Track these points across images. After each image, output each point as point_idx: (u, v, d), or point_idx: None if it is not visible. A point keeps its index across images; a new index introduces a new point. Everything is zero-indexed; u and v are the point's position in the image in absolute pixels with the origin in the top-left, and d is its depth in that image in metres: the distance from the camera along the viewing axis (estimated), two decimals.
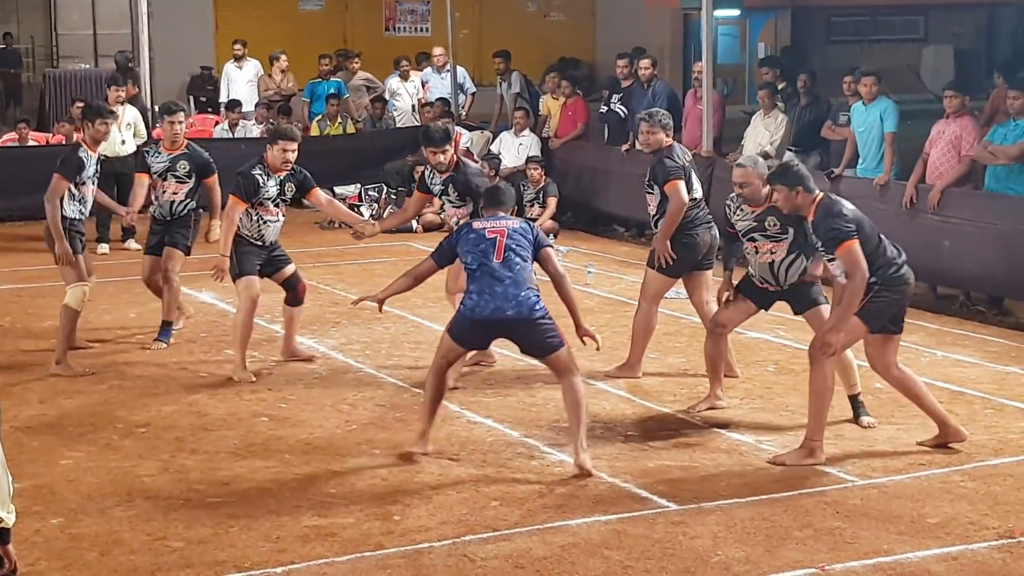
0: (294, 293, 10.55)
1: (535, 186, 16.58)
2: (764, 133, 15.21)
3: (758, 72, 17.48)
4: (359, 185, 18.56)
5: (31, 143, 18.53)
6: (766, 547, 6.78)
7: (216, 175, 11.11)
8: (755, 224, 8.81)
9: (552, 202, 16.46)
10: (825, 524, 7.09)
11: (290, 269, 10.49)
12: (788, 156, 8.44)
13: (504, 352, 10.19)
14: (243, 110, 19.32)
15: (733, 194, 9.00)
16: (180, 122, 11.10)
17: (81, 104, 18.58)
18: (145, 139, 16.18)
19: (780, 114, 15.26)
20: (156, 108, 16.34)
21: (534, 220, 16.22)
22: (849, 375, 8.78)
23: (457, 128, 18.51)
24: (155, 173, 11.05)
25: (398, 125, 19.91)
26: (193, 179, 11.06)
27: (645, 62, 16.61)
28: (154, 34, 18.50)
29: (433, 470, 7.93)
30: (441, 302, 12.66)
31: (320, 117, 19.75)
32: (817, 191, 8.19)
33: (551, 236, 15.72)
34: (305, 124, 20.23)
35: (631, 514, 7.26)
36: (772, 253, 8.77)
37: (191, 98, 21.76)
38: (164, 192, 11.03)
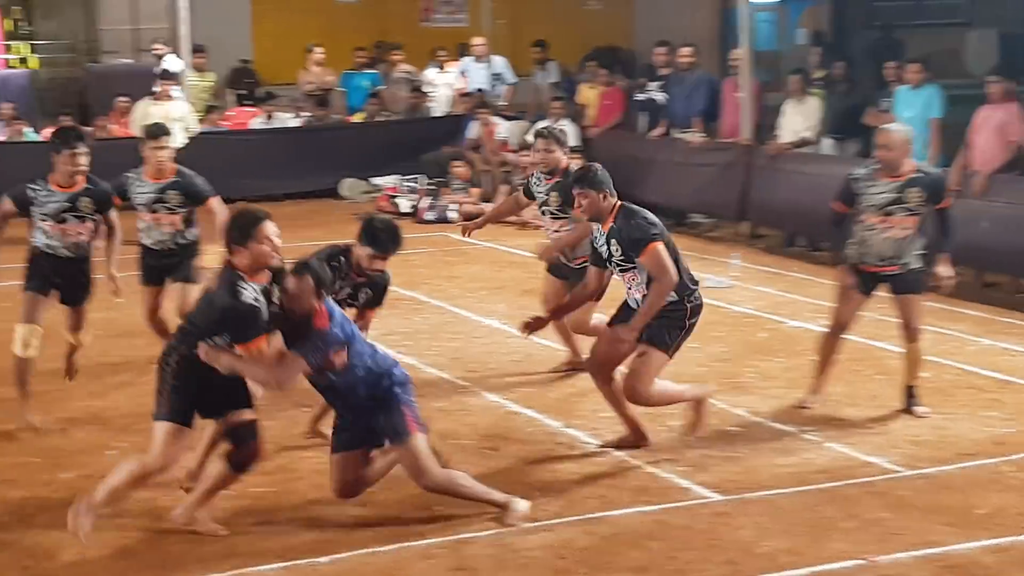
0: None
1: None
2: (798, 119, 15.11)
3: (811, 52, 17.40)
4: (397, 175, 18.54)
5: None
6: (811, 538, 6.71)
7: (215, 198, 9.60)
8: (895, 196, 8.49)
9: None
10: (872, 515, 7.01)
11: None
12: (596, 167, 7.86)
13: (543, 342, 10.17)
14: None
15: (862, 169, 8.76)
16: (165, 147, 9.58)
17: (125, 99, 18.73)
18: (196, 134, 16.29)
19: (812, 99, 15.15)
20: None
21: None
22: (916, 367, 8.68)
23: (494, 118, 18.48)
24: (140, 204, 9.58)
25: (435, 115, 19.90)
26: (187, 209, 9.61)
27: (686, 50, 16.51)
28: (193, 28, 18.52)
29: (474, 460, 7.89)
30: (479, 292, 12.67)
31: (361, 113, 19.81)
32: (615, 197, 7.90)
33: None
34: (343, 116, 20.26)
35: (674, 505, 7.21)
36: (905, 228, 8.51)
37: (231, 91, 21.78)
38: (157, 225, 9.61)
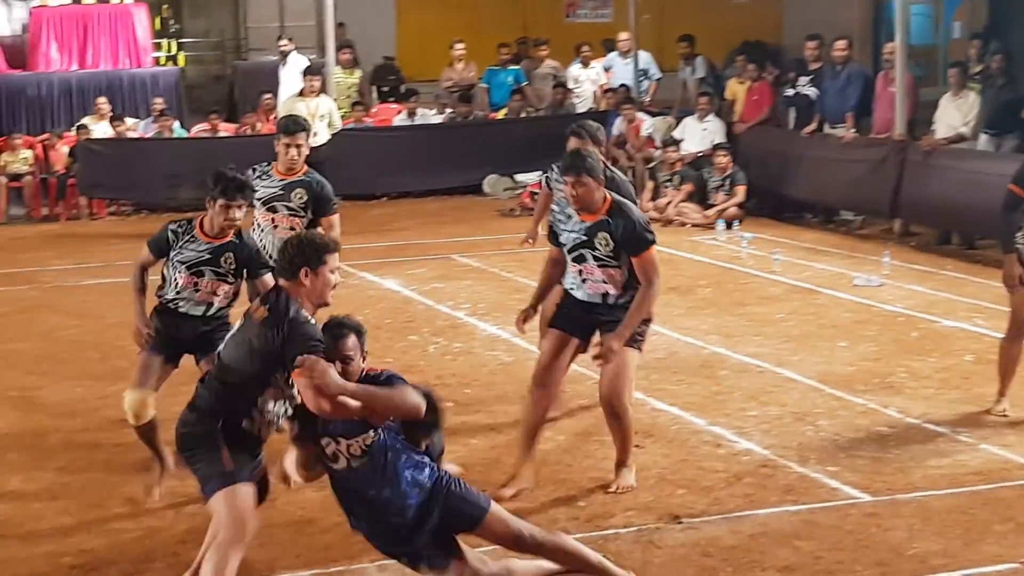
0: None
1: (721, 173, 16.34)
2: (955, 114, 14.77)
3: (970, 45, 17.01)
4: (540, 172, 18.48)
5: (222, 134, 18.93)
6: (965, 541, 6.53)
7: (337, 215, 8.76)
8: None
9: (740, 190, 16.17)
10: None
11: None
12: (591, 151, 7.34)
13: (687, 339, 10.06)
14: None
15: None
16: (300, 144, 8.61)
17: (270, 96, 18.98)
18: (339, 131, 16.39)
19: (971, 94, 14.81)
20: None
21: (717, 207, 16.03)
22: None
23: (639, 114, 18.36)
24: (260, 201, 8.48)
25: (579, 111, 19.83)
26: (308, 215, 8.59)
27: (841, 43, 16.19)
28: (338, 25, 18.68)
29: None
30: None
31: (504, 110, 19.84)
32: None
33: (736, 222, 15.53)
34: (485, 112, 20.29)
35: (822, 504, 7.08)
36: None
37: (374, 88, 21.96)
38: (272, 229, 8.53)
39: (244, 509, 5.66)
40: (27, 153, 18.31)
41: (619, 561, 6.32)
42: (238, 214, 7.31)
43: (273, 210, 8.53)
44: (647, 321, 7.45)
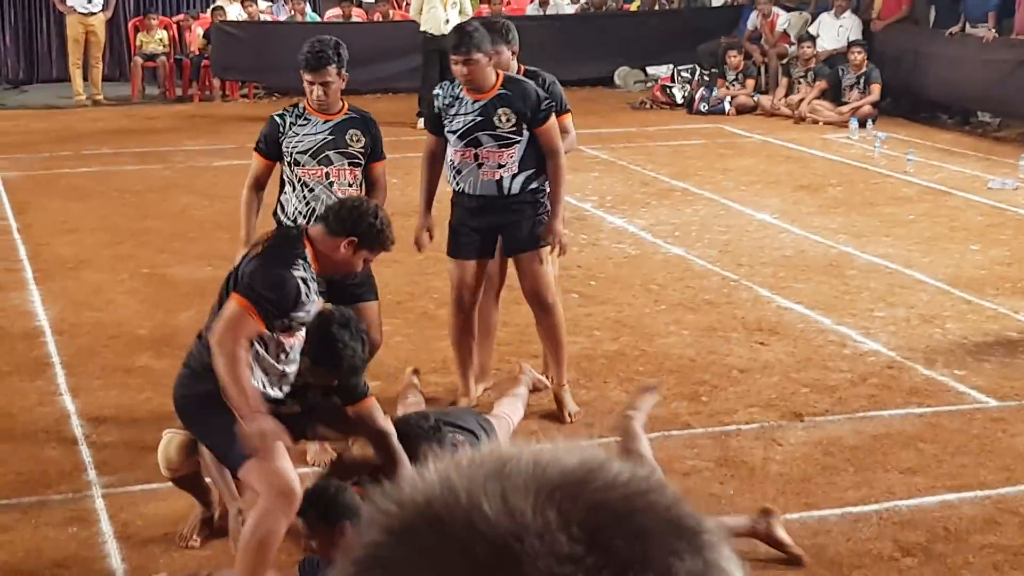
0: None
1: (856, 71, 16.04)
2: None
3: None
4: (672, 65, 18.33)
5: (355, 19, 18.99)
6: None
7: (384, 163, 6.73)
8: None
9: (876, 88, 15.87)
10: None
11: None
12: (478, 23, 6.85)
13: (817, 239, 9.96)
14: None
15: None
16: (328, 82, 6.44)
17: None
18: (470, 17, 16.26)
19: None
20: None
21: (851, 105, 15.77)
22: None
23: (775, 8, 18.06)
24: (299, 153, 6.44)
25: (714, 5, 19.56)
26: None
27: None
28: None
29: (742, 353, 7.82)
30: (753, 185, 12.50)
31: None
32: None
33: (869, 121, 15.26)
34: (619, 3, 20.07)
35: (947, 408, 7.02)
36: None
37: None
38: (323, 182, 6.45)
39: (283, 472, 4.81)
40: (162, 34, 18.53)
41: (740, 457, 6.36)
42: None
43: (326, 161, 6.46)
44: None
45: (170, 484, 5.68)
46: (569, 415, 6.87)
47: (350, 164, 6.46)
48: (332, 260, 5.10)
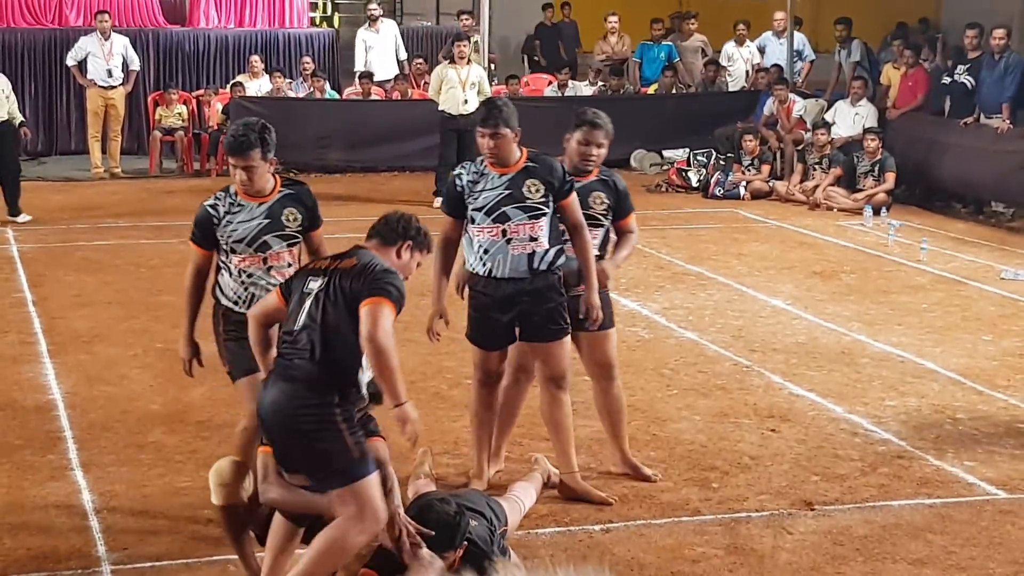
0: None
1: (871, 158, 16.11)
2: None
3: None
4: (688, 149, 18.43)
5: (373, 97, 19.14)
6: None
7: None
8: None
9: (890, 177, 15.92)
10: None
11: None
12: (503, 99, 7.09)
13: (829, 325, 9.96)
14: (378, 79, 18.93)
15: None
16: (252, 167, 6.30)
17: (420, 61, 19.10)
18: (488, 97, 16.36)
19: None
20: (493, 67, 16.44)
21: (865, 192, 15.82)
22: None
23: (791, 95, 18.18)
24: (235, 242, 6.25)
25: (731, 90, 19.69)
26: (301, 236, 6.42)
27: (999, 32, 15.82)
28: None
29: (753, 440, 7.82)
30: (766, 271, 12.53)
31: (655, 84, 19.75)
32: None
33: (884, 209, 15.30)
34: (636, 87, 20.23)
35: (957, 499, 7.01)
36: None
37: (525, 57, 22.02)
38: (261, 268, 6.28)
39: (378, 498, 5.24)
40: (181, 108, 18.70)
41: (749, 545, 6.35)
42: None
43: (264, 247, 6.25)
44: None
45: (181, 561, 5.70)
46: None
47: (288, 245, 6.31)
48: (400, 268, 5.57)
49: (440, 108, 16.11)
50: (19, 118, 14.81)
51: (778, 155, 17.79)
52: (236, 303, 6.27)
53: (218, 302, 6.35)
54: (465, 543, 5.52)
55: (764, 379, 9.06)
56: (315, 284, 5.42)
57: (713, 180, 17.07)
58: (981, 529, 6.61)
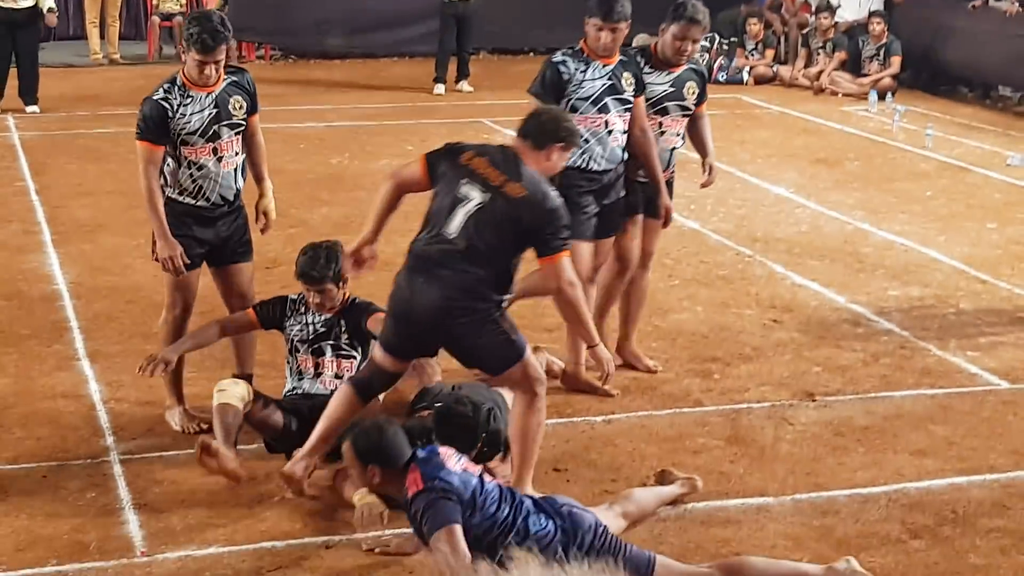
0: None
1: (876, 42, 15.98)
2: None
3: None
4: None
5: None
6: None
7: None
8: None
9: (896, 61, 15.81)
10: None
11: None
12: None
13: (833, 215, 9.93)
14: None
15: None
16: (218, 61, 6.17)
17: None
18: None
19: None
20: None
21: (871, 77, 15.70)
22: None
23: None
24: (188, 134, 6.19)
25: None
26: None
27: None
28: None
29: (755, 331, 7.85)
30: (769, 158, 12.48)
31: None
32: None
33: (889, 94, 15.20)
34: None
35: (959, 389, 7.04)
36: None
37: None
38: (211, 158, 6.27)
39: (537, 365, 5.59)
40: None
41: (751, 436, 6.39)
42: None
43: (215, 137, 6.24)
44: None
45: (188, 452, 5.76)
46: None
47: (235, 133, 6.29)
48: (541, 170, 5.48)
49: None
50: (48, 3, 14.42)
51: (782, 39, 17.63)
52: (181, 194, 6.29)
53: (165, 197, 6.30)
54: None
55: (766, 269, 9.07)
56: (476, 196, 5.33)
57: (716, 65, 16.94)
58: (983, 419, 6.65)
